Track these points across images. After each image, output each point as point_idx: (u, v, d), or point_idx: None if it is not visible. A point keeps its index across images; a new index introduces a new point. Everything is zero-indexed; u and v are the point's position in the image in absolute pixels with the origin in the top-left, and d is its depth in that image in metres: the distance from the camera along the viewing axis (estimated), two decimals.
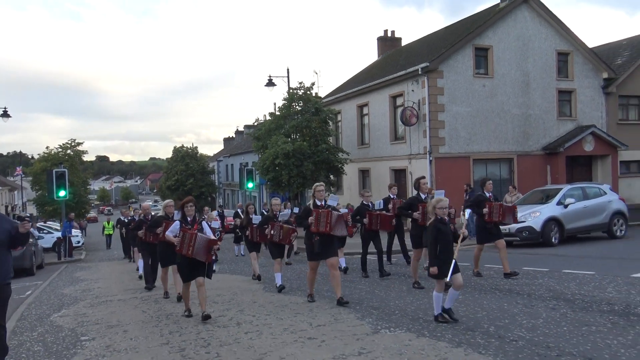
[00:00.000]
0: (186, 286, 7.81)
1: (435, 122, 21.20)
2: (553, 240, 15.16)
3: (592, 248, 14.12)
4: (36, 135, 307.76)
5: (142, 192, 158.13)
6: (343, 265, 11.56)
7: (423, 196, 9.37)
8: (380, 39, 32.59)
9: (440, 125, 21.30)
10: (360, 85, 26.56)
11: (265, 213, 11.50)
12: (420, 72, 21.16)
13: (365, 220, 10.63)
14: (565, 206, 15.57)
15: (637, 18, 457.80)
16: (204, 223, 7.85)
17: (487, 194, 9.93)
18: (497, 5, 23.29)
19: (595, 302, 7.10)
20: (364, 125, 26.72)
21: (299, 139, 23.66)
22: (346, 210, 10.56)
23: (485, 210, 9.64)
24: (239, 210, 17.76)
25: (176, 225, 7.70)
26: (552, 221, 15.28)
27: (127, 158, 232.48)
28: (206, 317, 7.35)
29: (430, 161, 21.19)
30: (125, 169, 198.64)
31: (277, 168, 22.95)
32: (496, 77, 22.14)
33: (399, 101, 23.33)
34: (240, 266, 15.14)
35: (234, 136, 60.69)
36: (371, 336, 6.02)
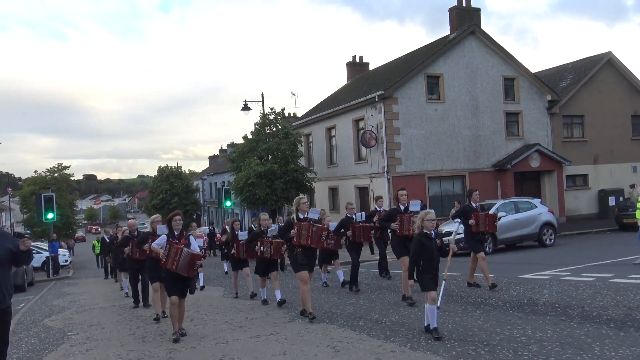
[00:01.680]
0: (173, 303, 7.50)
1: (391, 144, 23.35)
2: (487, 249, 17.22)
3: (517, 255, 16.18)
4: (22, 155, 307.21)
5: (131, 210, 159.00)
6: (342, 278, 11.74)
7: (402, 207, 9.34)
8: (349, 64, 34.95)
9: (396, 147, 23.44)
10: (329, 109, 28.77)
11: (254, 229, 11.00)
12: (377, 99, 23.37)
13: (349, 233, 10.91)
14: (498, 219, 17.66)
15: (616, 30, 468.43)
16: (191, 237, 7.78)
17: (474, 205, 10.15)
18: (448, 36, 25.64)
19: (468, 297, 9.14)
20: (332, 146, 28.89)
21: (270, 161, 25.76)
22: (335, 224, 11.20)
23: (472, 221, 9.84)
24: (226, 227, 18.57)
25: (163, 238, 7.61)
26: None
27: (115, 176, 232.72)
28: (181, 334, 7.50)
29: (388, 179, 23.31)
30: (114, 187, 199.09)
31: (250, 188, 24.98)
32: (447, 101, 24.38)
33: (361, 124, 25.51)
34: (226, 282, 15.37)
35: (219, 154, 62.69)
36: (286, 324, 8.01)
